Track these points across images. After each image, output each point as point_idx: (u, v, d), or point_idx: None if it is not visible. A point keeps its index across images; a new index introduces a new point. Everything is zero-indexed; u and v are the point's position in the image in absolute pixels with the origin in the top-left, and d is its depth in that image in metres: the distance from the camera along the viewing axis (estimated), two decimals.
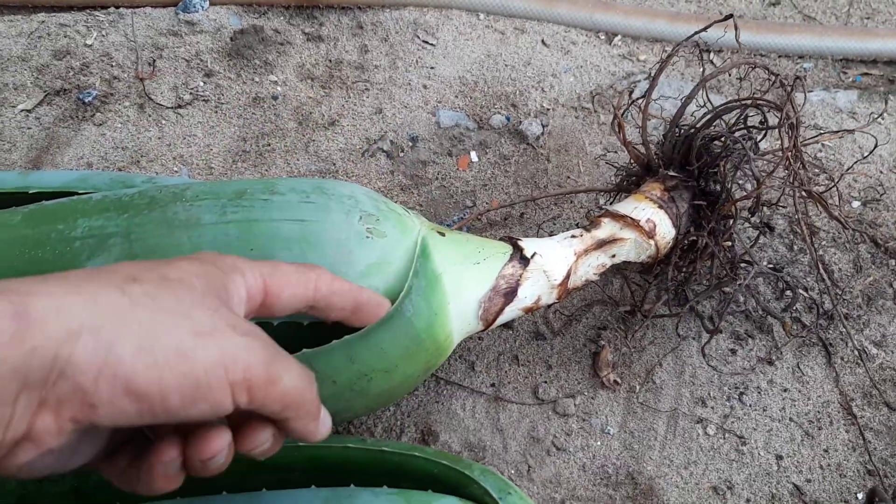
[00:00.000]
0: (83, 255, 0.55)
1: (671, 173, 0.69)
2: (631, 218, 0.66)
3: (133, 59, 0.99)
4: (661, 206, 0.68)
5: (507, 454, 0.72)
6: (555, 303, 0.65)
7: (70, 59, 0.99)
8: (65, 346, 0.30)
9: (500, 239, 0.65)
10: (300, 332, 0.57)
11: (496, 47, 1.02)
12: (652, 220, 0.67)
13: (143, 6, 1.05)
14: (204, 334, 0.34)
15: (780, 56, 1.09)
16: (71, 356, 0.30)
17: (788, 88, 0.65)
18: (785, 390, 0.76)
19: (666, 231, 0.68)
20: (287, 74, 0.99)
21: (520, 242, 0.63)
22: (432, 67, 1.00)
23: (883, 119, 0.98)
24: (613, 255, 0.67)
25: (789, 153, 0.65)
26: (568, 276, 0.64)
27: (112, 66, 0.99)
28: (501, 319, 0.62)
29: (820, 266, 0.69)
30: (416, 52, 1.01)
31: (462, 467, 0.61)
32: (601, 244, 0.66)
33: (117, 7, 1.05)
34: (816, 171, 0.92)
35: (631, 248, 0.67)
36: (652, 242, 0.67)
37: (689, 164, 0.69)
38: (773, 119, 0.68)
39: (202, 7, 1.03)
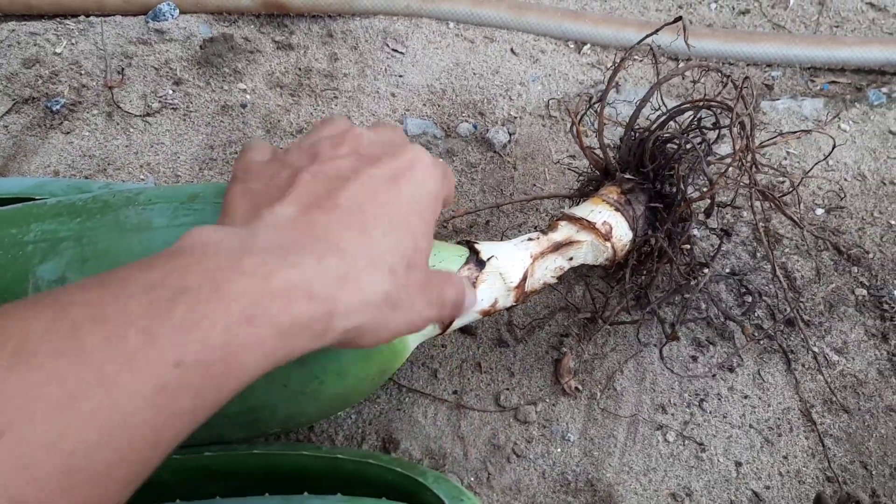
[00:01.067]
0: (35, 258, 0.55)
1: (627, 176, 0.70)
2: (587, 220, 0.67)
3: (102, 68, 1.00)
4: (617, 209, 0.68)
5: (468, 462, 0.73)
6: (513, 305, 0.65)
7: (39, 68, 0.99)
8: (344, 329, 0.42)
9: (457, 242, 0.65)
10: None
11: (465, 56, 1.03)
12: (608, 223, 0.67)
13: (114, 15, 1.05)
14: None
15: (748, 64, 1.09)
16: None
17: (739, 89, 0.65)
18: (745, 397, 0.77)
19: (622, 233, 0.68)
20: (256, 82, 1.00)
21: (476, 245, 0.64)
22: (401, 75, 1.00)
23: (848, 127, 0.98)
24: (571, 258, 0.67)
25: (741, 153, 0.66)
26: (525, 279, 0.64)
27: (81, 74, 0.99)
28: (458, 323, 0.62)
29: (775, 266, 0.70)
30: (385, 61, 1.02)
31: (416, 474, 0.61)
32: (558, 247, 0.66)
33: (87, 15, 1.05)
34: (780, 177, 0.93)
35: (588, 251, 0.68)
36: (609, 244, 0.67)
37: (644, 167, 0.70)
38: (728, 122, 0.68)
39: (172, 15, 1.03)
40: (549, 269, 0.66)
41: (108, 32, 1.03)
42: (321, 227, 0.43)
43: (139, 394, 0.32)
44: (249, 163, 0.51)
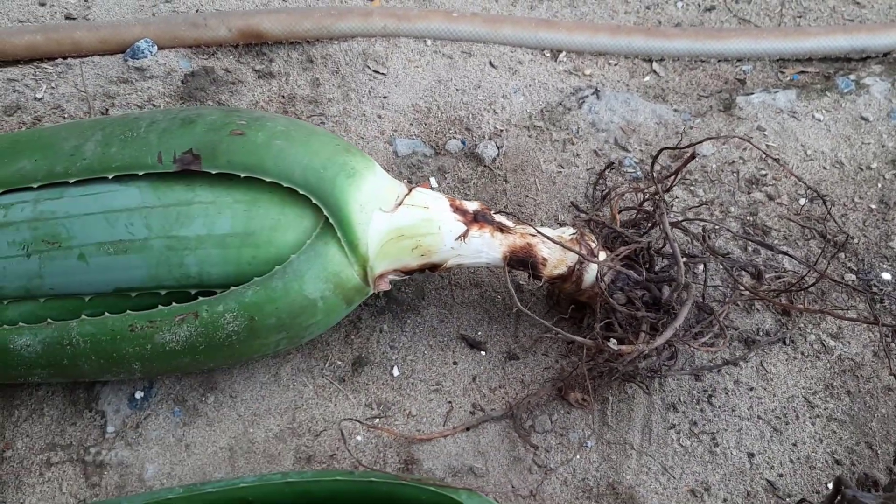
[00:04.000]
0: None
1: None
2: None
3: (85, 110, 0.99)
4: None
5: (491, 476, 0.74)
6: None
7: (21, 115, 0.99)
8: None
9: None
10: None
11: (446, 72, 1.04)
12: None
13: (91, 55, 1.05)
14: None
15: (719, 60, 1.12)
16: None
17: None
18: (751, 389, 0.79)
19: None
20: None
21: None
22: (385, 97, 1.01)
23: (822, 116, 1.01)
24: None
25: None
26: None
27: (64, 118, 0.99)
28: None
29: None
30: (368, 83, 1.03)
31: (449, 492, 0.62)
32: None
33: (65, 58, 1.05)
34: (763, 170, 0.96)
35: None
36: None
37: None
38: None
39: (150, 52, 1.03)
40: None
41: (87, 73, 1.03)
42: None
43: None
44: None
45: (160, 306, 0.69)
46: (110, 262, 0.70)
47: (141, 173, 0.70)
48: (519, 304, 0.68)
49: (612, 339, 0.67)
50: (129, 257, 0.70)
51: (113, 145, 0.72)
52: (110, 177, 0.70)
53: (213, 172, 0.69)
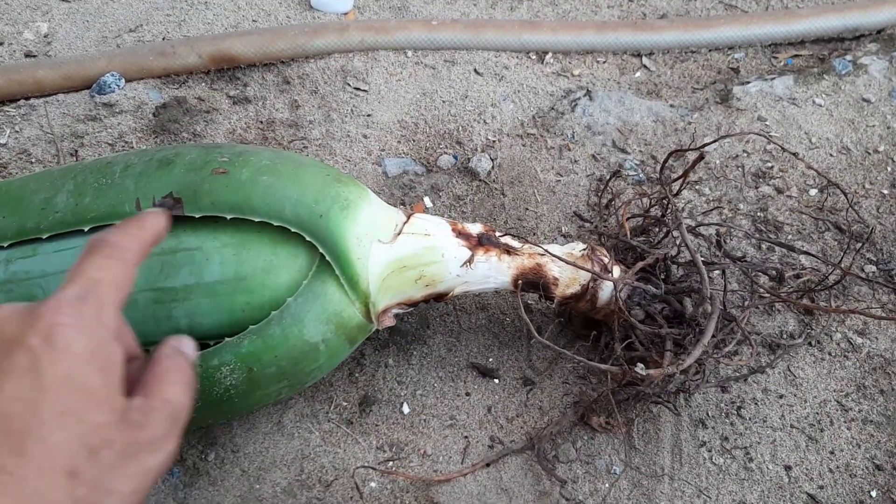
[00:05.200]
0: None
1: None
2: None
3: (53, 153, 0.94)
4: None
5: None
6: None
7: None
8: None
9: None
10: None
11: (430, 84, 1.00)
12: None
13: (55, 93, 0.99)
14: None
15: (710, 50, 1.08)
16: None
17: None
18: (781, 396, 0.75)
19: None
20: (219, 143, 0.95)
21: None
22: (369, 115, 0.96)
23: (822, 101, 0.98)
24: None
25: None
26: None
27: (32, 162, 0.93)
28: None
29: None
30: (350, 101, 0.98)
31: None
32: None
33: (28, 98, 0.99)
34: (769, 162, 0.92)
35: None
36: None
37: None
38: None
39: (118, 86, 0.98)
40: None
41: (52, 113, 0.97)
42: None
43: None
44: None
45: None
46: None
47: (119, 223, 0.65)
48: (536, 334, 0.64)
49: (638, 364, 0.63)
50: None
51: (86, 195, 0.67)
52: (86, 229, 0.65)
53: (197, 216, 0.64)
